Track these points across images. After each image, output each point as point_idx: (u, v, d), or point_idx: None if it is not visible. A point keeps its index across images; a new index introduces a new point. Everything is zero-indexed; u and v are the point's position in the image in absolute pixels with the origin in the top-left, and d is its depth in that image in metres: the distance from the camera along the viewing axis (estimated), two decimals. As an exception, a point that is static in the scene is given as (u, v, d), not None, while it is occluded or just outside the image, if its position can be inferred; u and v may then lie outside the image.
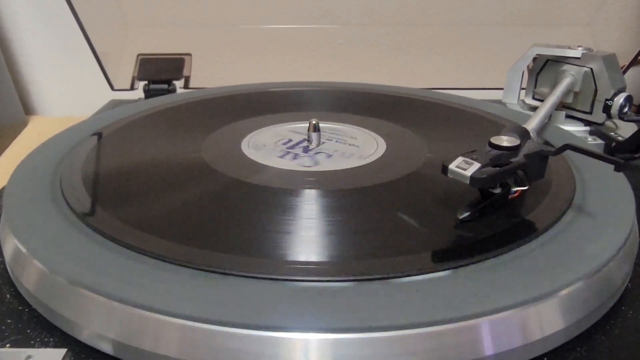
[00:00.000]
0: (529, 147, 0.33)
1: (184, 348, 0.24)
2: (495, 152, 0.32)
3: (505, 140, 0.33)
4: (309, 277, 0.27)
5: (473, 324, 0.24)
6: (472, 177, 0.30)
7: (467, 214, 0.31)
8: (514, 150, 0.32)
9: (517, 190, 0.33)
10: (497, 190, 0.33)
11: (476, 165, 0.30)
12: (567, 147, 0.32)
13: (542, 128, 0.46)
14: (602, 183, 0.37)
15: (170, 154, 0.42)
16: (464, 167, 0.30)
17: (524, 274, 0.27)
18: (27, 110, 0.80)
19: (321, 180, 0.37)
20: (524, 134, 0.36)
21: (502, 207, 0.33)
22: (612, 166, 0.30)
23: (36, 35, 0.78)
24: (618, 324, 0.29)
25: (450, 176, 0.31)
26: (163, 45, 0.71)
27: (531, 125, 0.41)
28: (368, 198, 0.35)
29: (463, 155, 0.31)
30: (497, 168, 0.31)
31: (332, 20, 0.72)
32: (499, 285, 0.26)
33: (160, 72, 0.69)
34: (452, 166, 0.31)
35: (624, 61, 0.68)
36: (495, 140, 0.33)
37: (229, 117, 0.50)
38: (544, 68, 0.57)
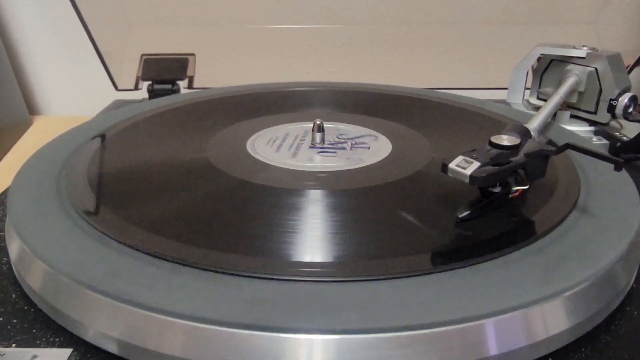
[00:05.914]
0: (529, 147, 0.33)
1: (189, 348, 0.24)
2: (495, 151, 0.32)
3: (505, 140, 0.33)
4: (313, 278, 0.27)
5: (478, 324, 0.24)
6: (471, 176, 0.30)
7: (466, 212, 0.31)
8: (514, 149, 0.32)
9: (517, 190, 0.33)
10: (497, 189, 0.33)
11: (476, 164, 0.30)
12: (567, 146, 0.32)
13: (545, 127, 0.46)
14: (607, 183, 0.37)
15: (174, 154, 0.42)
16: (464, 166, 0.30)
17: (528, 274, 0.27)
18: (31, 110, 0.80)
19: (325, 180, 0.37)
20: (524, 133, 0.36)
21: (502, 207, 0.33)
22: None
23: (40, 35, 0.79)
24: (623, 325, 0.29)
25: (450, 175, 0.31)
26: (166, 44, 0.71)
27: (533, 124, 0.41)
28: (373, 198, 0.35)
29: (463, 154, 0.31)
30: (497, 167, 0.31)
31: (336, 19, 0.72)
32: (504, 285, 0.26)
33: (164, 72, 0.69)
34: (452, 165, 0.31)
35: (628, 60, 0.68)
36: (495, 139, 0.33)
37: (233, 117, 0.50)
38: (548, 68, 0.57)
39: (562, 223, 0.32)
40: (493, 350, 0.24)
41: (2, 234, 0.36)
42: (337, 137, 0.45)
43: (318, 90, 0.60)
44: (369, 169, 0.39)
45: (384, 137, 0.45)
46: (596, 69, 0.52)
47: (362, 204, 0.34)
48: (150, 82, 0.69)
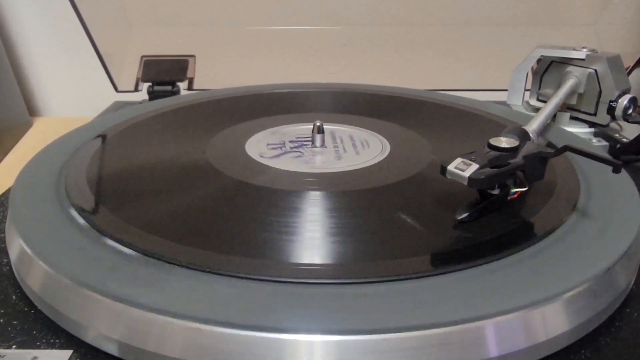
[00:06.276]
0: (528, 149, 0.33)
1: (189, 349, 0.24)
2: (493, 153, 0.32)
3: (504, 142, 0.33)
4: (312, 279, 0.27)
5: (477, 325, 0.24)
6: (470, 178, 0.30)
7: (465, 214, 0.31)
8: (512, 151, 0.32)
9: (516, 192, 0.33)
10: (496, 191, 0.33)
11: (474, 167, 0.30)
12: (566, 148, 0.32)
13: (545, 129, 0.46)
14: (607, 184, 0.37)
15: (174, 156, 0.42)
16: (462, 168, 0.30)
17: (529, 275, 0.27)
18: (32, 111, 0.80)
19: (325, 182, 0.37)
20: (523, 135, 0.36)
21: (500, 209, 0.33)
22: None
23: (40, 37, 0.79)
24: (623, 326, 0.29)
25: (449, 177, 0.31)
26: (166, 45, 0.71)
27: (532, 126, 0.41)
28: (372, 200, 0.35)
29: (462, 156, 0.31)
30: (496, 169, 0.31)
31: (336, 20, 0.72)
32: (504, 287, 0.26)
33: (164, 73, 0.69)
34: (450, 167, 0.31)
35: (628, 62, 0.68)
36: (494, 141, 0.33)
37: (233, 118, 0.50)
38: (548, 69, 0.57)
39: (562, 225, 0.32)
40: (493, 352, 0.24)
41: (3, 235, 0.36)
42: (338, 139, 0.45)
43: (318, 91, 0.60)
44: (368, 171, 0.39)
45: (383, 139, 0.45)
46: (596, 70, 0.52)
47: (362, 205, 0.34)
48: (150, 84, 0.69)
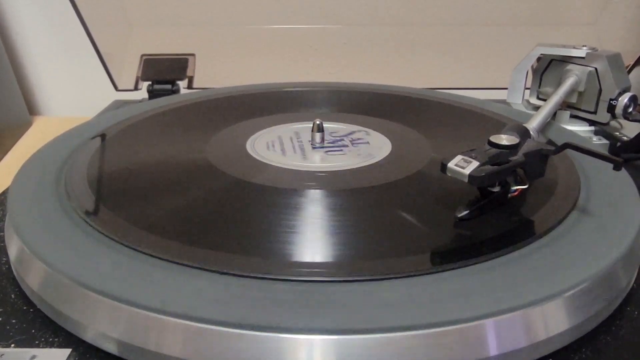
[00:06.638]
0: (528, 146, 0.33)
1: (188, 349, 0.24)
2: (494, 150, 0.32)
3: (504, 139, 0.33)
4: (312, 278, 0.27)
5: (478, 324, 0.24)
6: (470, 175, 0.30)
7: (465, 212, 0.31)
8: (513, 148, 0.32)
9: (517, 189, 0.33)
10: (497, 189, 0.33)
11: (475, 164, 0.30)
12: (566, 146, 0.32)
13: (545, 127, 0.46)
14: (608, 183, 0.37)
15: (174, 155, 0.42)
16: (463, 166, 0.30)
17: (529, 274, 0.27)
18: (31, 110, 0.80)
19: (325, 180, 0.37)
20: (524, 133, 0.36)
21: (501, 206, 0.33)
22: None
23: (40, 36, 0.79)
24: (623, 325, 0.29)
25: (449, 174, 0.31)
26: (166, 45, 0.71)
27: (532, 124, 0.41)
28: (373, 198, 0.35)
29: (462, 153, 0.31)
30: (496, 166, 0.31)
31: (336, 20, 0.72)
32: (504, 286, 0.26)
33: (164, 72, 0.69)
34: (450, 164, 0.31)
35: (628, 60, 0.68)
36: (494, 138, 0.33)
37: (233, 117, 0.50)
38: (548, 68, 0.57)
39: (562, 223, 0.32)
40: (493, 350, 0.24)
41: (2, 234, 0.36)
42: (337, 137, 0.45)
43: (318, 90, 0.60)
44: (369, 169, 0.39)
45: (384, 137, 0.45)
46: (596, 68, 0.52)
47: (362, 203, 0.34)
48: (150, 83, 0.69)
